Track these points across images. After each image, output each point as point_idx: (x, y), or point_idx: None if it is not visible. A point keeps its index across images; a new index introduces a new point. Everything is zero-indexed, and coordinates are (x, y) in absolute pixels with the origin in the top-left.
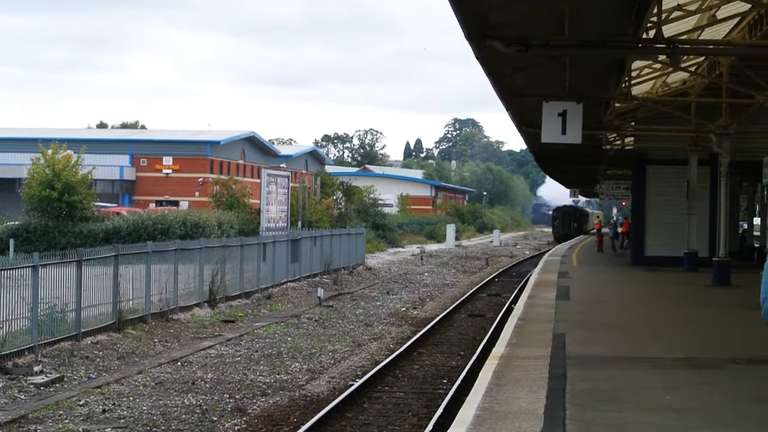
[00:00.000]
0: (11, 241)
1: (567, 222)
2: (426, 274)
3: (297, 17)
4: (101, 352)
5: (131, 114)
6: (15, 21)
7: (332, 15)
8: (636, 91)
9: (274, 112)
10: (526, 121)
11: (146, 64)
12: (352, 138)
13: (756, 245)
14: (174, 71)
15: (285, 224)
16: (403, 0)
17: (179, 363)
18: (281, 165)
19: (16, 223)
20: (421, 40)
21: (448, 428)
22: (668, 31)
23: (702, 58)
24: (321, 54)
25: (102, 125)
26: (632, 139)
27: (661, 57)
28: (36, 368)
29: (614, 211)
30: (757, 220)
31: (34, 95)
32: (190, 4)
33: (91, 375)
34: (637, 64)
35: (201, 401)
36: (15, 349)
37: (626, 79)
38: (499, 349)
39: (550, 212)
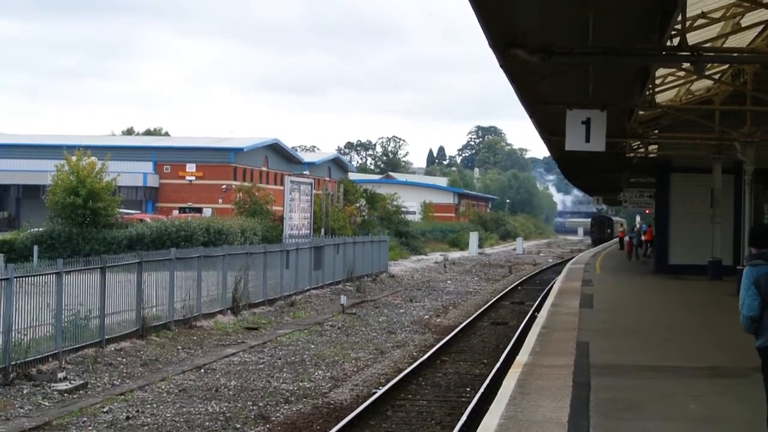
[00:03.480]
0: (35, 248)
1: (602, 228)
2: (449, 281)
3: (301, 25)
4: (125, 359)
5: (141, 121)
6: (21, 27)
7: (336, 22)
8: (660, 98)
9: (286, 119)
10: (549, 128)
11: (153, 71)
12: (375, 145)
13: None
14: (181, 78)
15: (308, 231)
16: (409, 9)
17: (203, 370)
18: (304, 172)
19: (40, 229)
20: (428, 48)
21: None
22: (692, 38)
23: (726, 66)
24: (328, 62)
25: (129, 132)
26: (656, 146)
27: (686, 65)
28: (60, 375)
29: (637, 219)
30: None
31: (45, 102)
32: (194, 12)
33: (114, 382)
34: (660, 71)
35: (224, 408)
36: (39, 356)
37: (650, 86)
38: (522, 357)
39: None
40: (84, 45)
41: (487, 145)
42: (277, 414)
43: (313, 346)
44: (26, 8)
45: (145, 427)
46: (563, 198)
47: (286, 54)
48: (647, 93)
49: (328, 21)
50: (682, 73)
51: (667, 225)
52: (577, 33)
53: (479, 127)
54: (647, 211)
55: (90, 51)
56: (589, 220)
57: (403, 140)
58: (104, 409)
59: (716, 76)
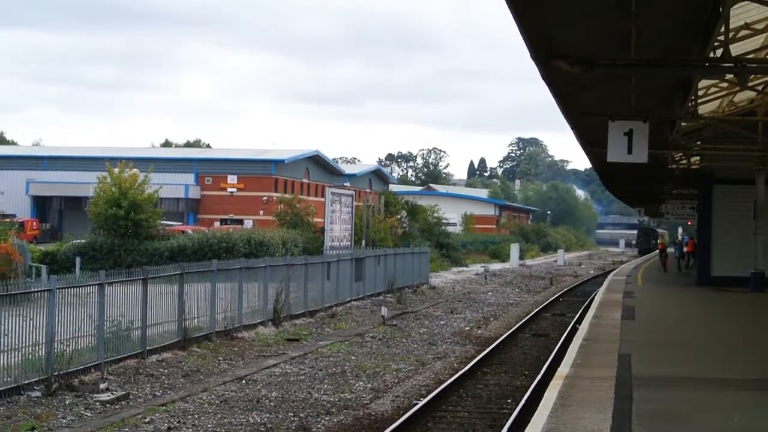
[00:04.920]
0: (77, 259)
1: (647, 239)
2: (490, 293)
3: (338, 36)
4: (166, 370)
5: (179, 132)
6: (58, 40)
7: (372, 34)
8: (702, 110)
9: (325, 131)
10: (591, 140)
11: (190, 82)
12: (415, 157)
13: None
14: (218, 90)
15: (349, 243)
16: (444, 19)
17: (244, 381)
18: (345, 184)
19: (82, 241)
20: (466, 59)
21: None
22: (735, 50)
23: None
24: (366, 73)
25: (167, 144)
26: (698, 158)
27: (729, 76)
28: (102, 386)
29: (679, 230)
30: None
31: (82, 114)
32: (230, 23)
33: (156, 393)
34: (703, 83)
35: (265, 419)
36: (81, 367)
37: (692, 98)
38: (564, 369)
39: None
40: (120, 57)
41: (528, 156)
42: (318, 425)
43: (353, 358)
44: (63, 21)
45: None
46: (597, 210)
47: (324, 65)
48: (690, 104)
49: (364, 32)
50: (724, 85)
51: (710, 237)
52: (620, 45)
53: (520, 139)
54: (689, 223)
55: (126, 63)
56: (630, 232)
57: (444, 152)
58: (146, 420)
59: (759, 88)
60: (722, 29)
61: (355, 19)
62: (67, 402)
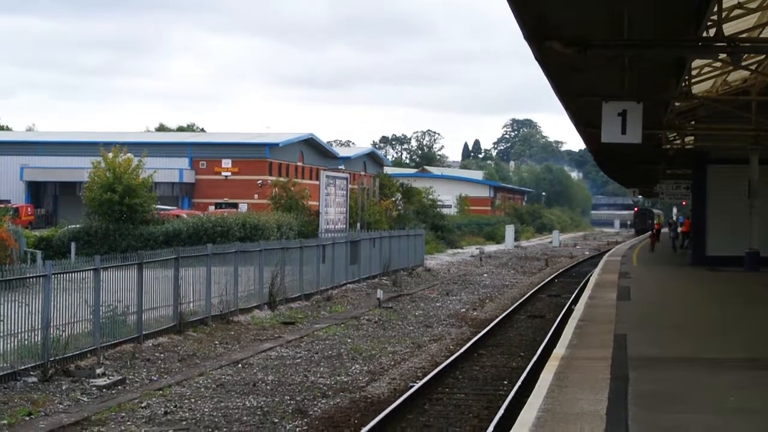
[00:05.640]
0: (72, 245)
1: (644, 220)
2: (485, 275)
3: (329, 20)
4: (162, 355)
5: (172, 117)
6: (50, 26)
7: (364, 17)
8: (696, 89)
9: (319, 114)
10: (585, 121)
11: (183, 68)
12: (410, 139)
13: None
14: (211, 75)
15: (344, 226)
16: (433, 1)
17: (240, 365)
18: (340, 167)
19: (77, 226)
20: (459, 41)
21: (509, 430)
22: (729, 29)
23: (763, 57)
24: (359, 56)
25: (161, 128)
26: (692, 138)
27: (722, 56)
28: (98, 370)
29: (674, 210)
30: None
31: (75, 100)
32: (223, 8)
33: (152, 377)
34: (697, 62)
35: (262, 403)
36: (77, 352)
37: (686, 78)
38: (560, 350)
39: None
40: (111, 42)
41: (523, 138)
42: (315, 408)
43: (349, 341)
44: (54, 6)
45: (183, 422)
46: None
47: (317, 49)
48: (683, 84)
49: (356, 15)
50: (718, 64)
51: (704, 217)
52: (613, 25)
53: (514, 120)
54: (684, 203)
55: (117, 48)
56: (626, 212)
57: (438, 134)
58: (142, 405)
59: (753, 67)
60: (715, 9)
61: (348, 2)
62: (63, 387)
